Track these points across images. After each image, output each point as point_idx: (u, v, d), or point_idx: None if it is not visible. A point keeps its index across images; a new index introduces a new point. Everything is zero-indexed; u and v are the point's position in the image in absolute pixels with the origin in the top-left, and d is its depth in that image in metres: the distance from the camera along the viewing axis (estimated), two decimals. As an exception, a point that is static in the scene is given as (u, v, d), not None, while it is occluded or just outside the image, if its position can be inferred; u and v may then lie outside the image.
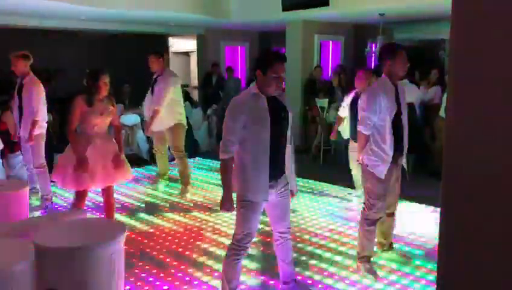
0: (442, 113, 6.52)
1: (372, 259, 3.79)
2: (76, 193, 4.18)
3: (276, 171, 3.01)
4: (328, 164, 7.64)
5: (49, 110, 6.93)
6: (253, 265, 3.90)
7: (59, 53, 10.85)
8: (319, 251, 4.18)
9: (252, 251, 3.96)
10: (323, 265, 3.90)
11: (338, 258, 4.05)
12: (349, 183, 5.76)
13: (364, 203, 3.71)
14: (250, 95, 2.93)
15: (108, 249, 2.69)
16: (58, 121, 7.61)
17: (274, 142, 2.93)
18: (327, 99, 7.88)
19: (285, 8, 7.87)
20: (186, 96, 8.37)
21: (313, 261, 3.97)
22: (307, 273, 3.76)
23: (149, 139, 7.85)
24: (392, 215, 3.91)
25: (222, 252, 4.05)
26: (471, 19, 1.36)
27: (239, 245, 3.04)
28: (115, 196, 4.61)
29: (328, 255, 4.10)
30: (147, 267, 3.90)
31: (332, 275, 3.72)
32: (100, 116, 4.09)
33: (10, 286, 2.32)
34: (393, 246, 4.06)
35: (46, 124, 5.38)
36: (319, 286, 3.56)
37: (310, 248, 4.24)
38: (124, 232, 2.86)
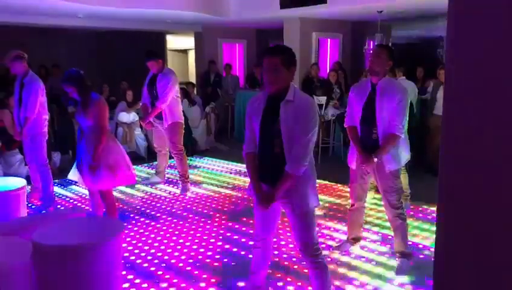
0: (436, 110, 6.50)
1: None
2: (105, 193, 4.22)
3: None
4: (326, 162, 7.63)
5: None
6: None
7: (56, 51, 10.83)
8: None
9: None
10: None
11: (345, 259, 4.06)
12: (346, 181, 5.73)
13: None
14: None
15: (107, 247, 2.70)
16: (55, 119, 7.60)
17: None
18: (325, 97, 7.88)
19: (283, 6, 7.87)
20: (185, 94, 8.36)
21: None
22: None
23: (147, 137, 7.84)
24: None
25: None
26: (469, 14, 1.36)
27: (255, 236, 3.08)
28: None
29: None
30: (145, 264, 3.92)
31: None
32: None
33: (9, 284, 2.32)
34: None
35: (47, 122, 5.34)
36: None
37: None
38: (123, 230, 2.86)
